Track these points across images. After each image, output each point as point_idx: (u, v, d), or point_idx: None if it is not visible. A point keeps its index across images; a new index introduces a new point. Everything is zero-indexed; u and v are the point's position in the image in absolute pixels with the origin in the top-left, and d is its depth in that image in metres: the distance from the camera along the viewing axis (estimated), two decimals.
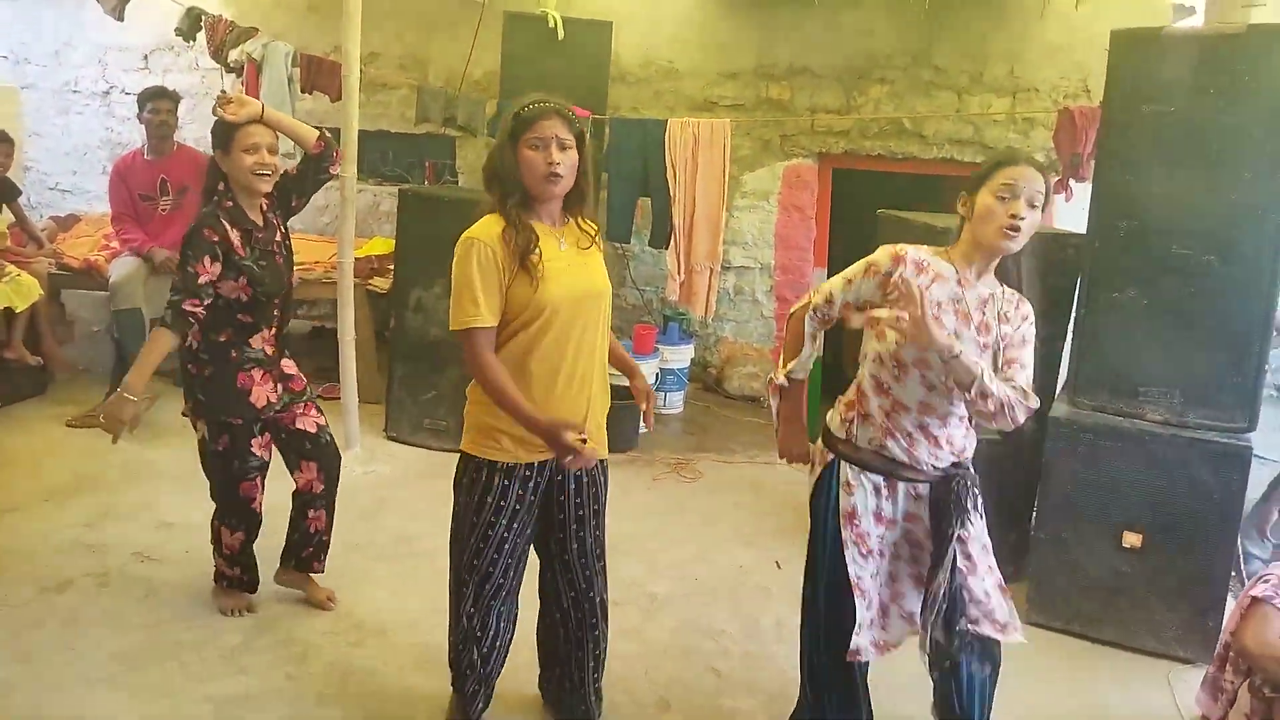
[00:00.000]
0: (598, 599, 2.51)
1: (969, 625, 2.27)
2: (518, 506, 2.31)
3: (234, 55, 5.10)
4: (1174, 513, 3.15)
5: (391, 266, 5.19)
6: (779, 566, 3.68)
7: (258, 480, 2.99)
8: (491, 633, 2.44)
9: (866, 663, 2.37)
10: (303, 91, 5.24)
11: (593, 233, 2.37)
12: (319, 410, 3.11)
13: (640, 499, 4.34)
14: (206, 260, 2.72)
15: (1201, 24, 3.33)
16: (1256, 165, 2.98)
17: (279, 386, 2.97)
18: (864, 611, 2.27)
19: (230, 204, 2.82)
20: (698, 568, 3.69)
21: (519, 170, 2.19)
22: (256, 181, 2.82)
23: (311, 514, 3.12)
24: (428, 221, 4.56)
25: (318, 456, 3.08)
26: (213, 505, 3.05)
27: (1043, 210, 2.18)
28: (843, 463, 2.29)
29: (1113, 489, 3.22)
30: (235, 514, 3.01)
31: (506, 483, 2.29)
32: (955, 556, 2.23)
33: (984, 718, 2.36)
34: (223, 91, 3.01)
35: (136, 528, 3.65)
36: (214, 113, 2.87)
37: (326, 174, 3.05)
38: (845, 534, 2.26)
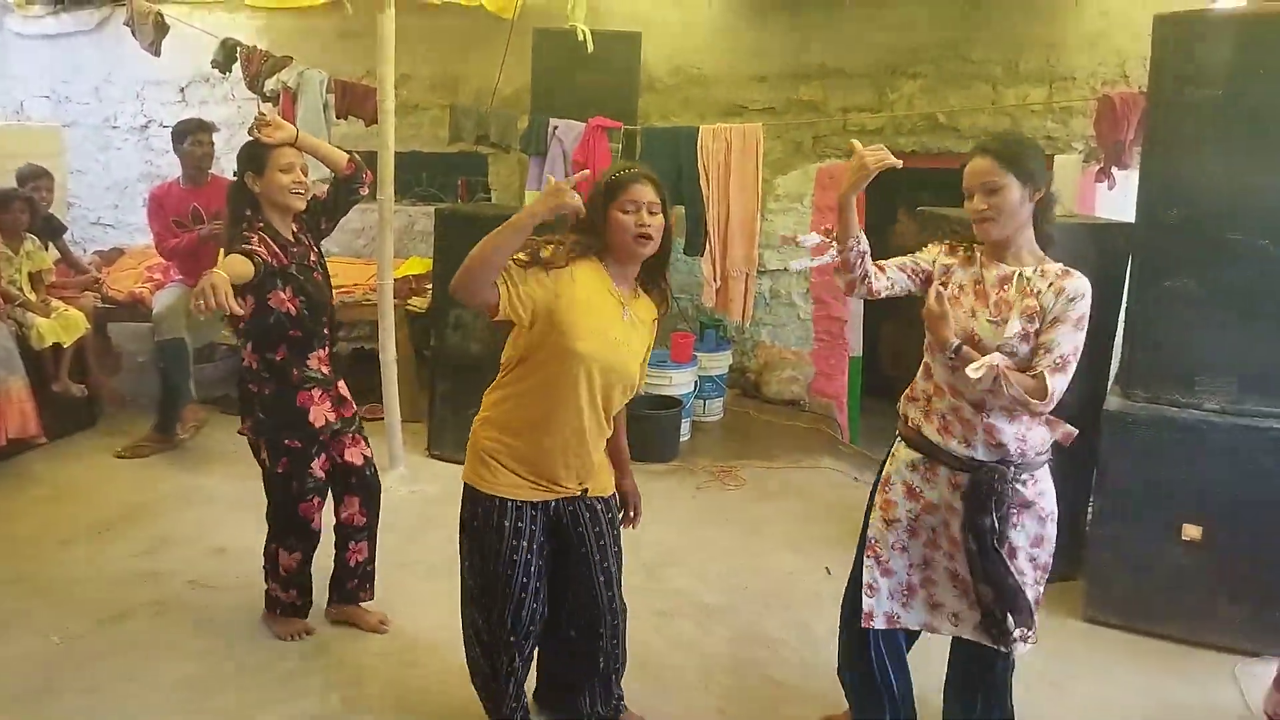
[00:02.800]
0: (605, 629, 2.47)
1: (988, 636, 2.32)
2: (529, 544, 2.30)
3: (269, 85, 5.16)
4: (1235, 503, 3.09)
5: (429, 286, 5.23)
6: (829, 572, 3.63)
7: (315, 500, 3.02)
8: (519, 670, 2.43)
9: (898, 637, 2.44)
10: (338, 117, 5.29)
11: (657, 308, 2.40)
12: (366, 441, 3.15)
13: (685, 509, 4.31)
14: (255, 241, 2.77)
15: (1246, 4, 3.25)
16: None
17: (335, 408, 3.01)
18: (872, 573, 2.38)
19: (261, 224, 2.85)
20: (748, 577, 3.65)
21: (607, 230, 2.25)
22: (293, 199, 2.87)
23: (353, 546, 3.15)
24: (465, 240, 4.47)
25: (361, 490, 3.12)
26: (266, 528, 3.08)
27: (1035, 186, 2.21)
28: (898, 437, 2.44)
29: (1170, 482, 3.16)
30: (294, 534, 3.04)
31: (517, 523, 2.29)
32: (999, 551, 2.21)
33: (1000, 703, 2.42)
34: (260, 113, 3.03)
35: (190, 555, 3.69)
36: (250, 134, 2.90)
37: (356, 195, 3.07)
38: (876, 498, 2.42)
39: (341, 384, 3.08)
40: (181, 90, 6.86)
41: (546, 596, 2.40)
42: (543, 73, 5.20)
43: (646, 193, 2.23)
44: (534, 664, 2.54)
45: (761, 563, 3.77)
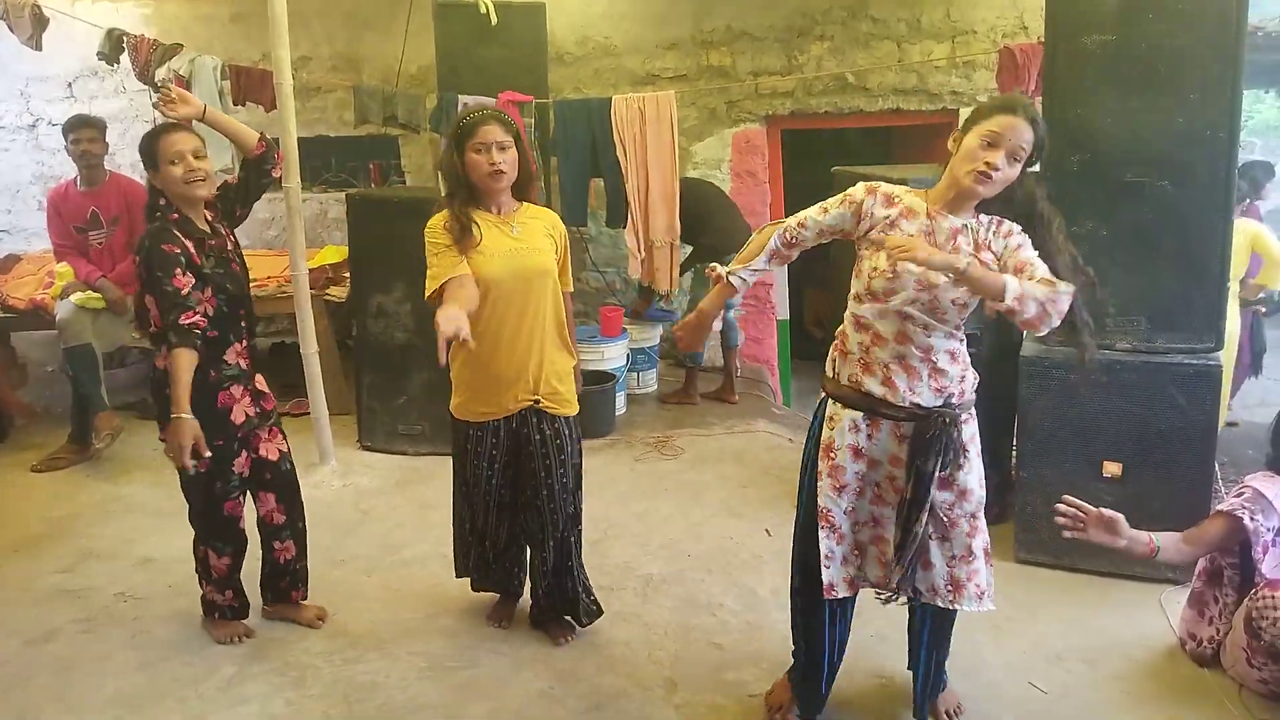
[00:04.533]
0: (570, 535, 2.90)
1: (941, 597, 2.35)
2: (494, 452, 2.80)
3: (161, 74, 4.95)
4: (1151, 438, 3.20)
5: (347, 274, 5.11)
6: (769, 534, 3.69)
7: (240, 499, 2.94)
8: (489, 541, 2.92)
9: (849, 599, 2.44)
10: (235, 104, 5.11)
11: (545, 216, 2.83)
12: (283, 435, 3.07)
13: (624, 481, 4.32)
14: (179, 272, 2.65)
15: None
16: (1202, 86, 3.01)
17: (255, 403, 2.92)
18: (828, 543, 2.34)
19: (176, 216, 2.74)
20: (689, 544, 3.68)
21: (465, 171, 2.65)
22: (192, 189, 2.75)
23: (278, 545, 3.08)
24: (380, 225, 4.47)
25: (277, 486, 3.03)
26: (192, 533, 2.99)
27: (1030, 164, 2.21)
28: (829, 399, 2.37)
29: (1089, 421, 3.25)
30: (221, 536, 2.95)
31: (479, 435, 2.79)
32: (931, 499, 2.26)
33: (938, 648, 2.49)
34: (166, 86, 2.89)
35: (116, 568, 3.57)
36: (155, 107, 2.77)
37: (269, 177, 2.97)
38: (821, 465, 2.35)
39: (259, 378, 2.99)
40: (69, 85, 6.55)
41: (507, 496, 2.87)
42: (447, 49, 5.08)
43: (494, 132, 2.61)
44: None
45: (702, 530, 3.81)
